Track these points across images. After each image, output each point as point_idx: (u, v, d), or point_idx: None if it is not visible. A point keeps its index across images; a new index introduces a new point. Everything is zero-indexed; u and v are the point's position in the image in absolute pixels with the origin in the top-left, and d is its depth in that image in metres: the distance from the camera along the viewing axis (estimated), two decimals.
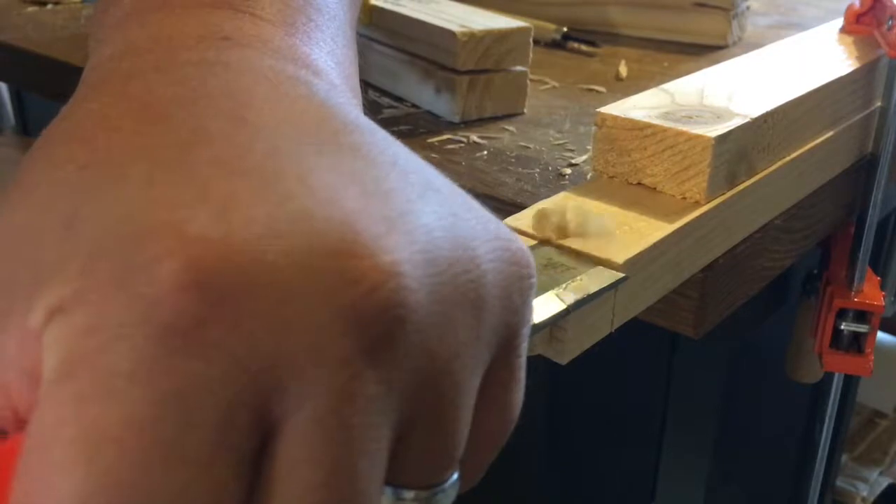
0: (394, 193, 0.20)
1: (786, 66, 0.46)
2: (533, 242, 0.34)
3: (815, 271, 0.57)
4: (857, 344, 0.54)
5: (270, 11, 0.26)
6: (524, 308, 0.22)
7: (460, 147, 0.49)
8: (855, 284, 0.53)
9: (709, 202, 0.37)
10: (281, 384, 0.18)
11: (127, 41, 0.25)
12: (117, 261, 0.17)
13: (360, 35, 0.60)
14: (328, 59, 0.26)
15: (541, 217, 0.34)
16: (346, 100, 0.25)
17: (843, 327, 0.53)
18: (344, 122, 0.22)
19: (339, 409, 0.18)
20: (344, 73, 0.27)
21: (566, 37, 0.70)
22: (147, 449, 0.16)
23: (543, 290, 0.29)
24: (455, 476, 0.22)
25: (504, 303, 0.21)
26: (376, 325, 0.18)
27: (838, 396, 0.63)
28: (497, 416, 0.23)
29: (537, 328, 0.28)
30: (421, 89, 0.55)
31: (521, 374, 0.23)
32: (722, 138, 0.36)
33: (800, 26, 0.78)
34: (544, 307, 0.28)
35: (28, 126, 1.07)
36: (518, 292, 0.22)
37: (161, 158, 0.19)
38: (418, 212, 0.20)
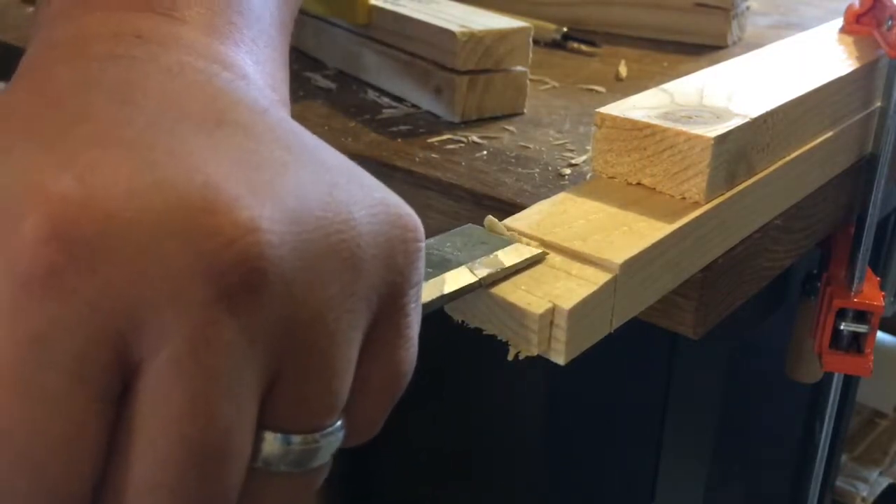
0: (268, 162, 0.22)
1: (786, 66, 0.46)
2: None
3: (815, 271, 0.57)
4: (856, 344, 0.54)
5: (189, 14, 0.27)
6: (409, 269, 0.24)
7: (460, 147, 0.49)
8: (855, 284, 0.52)
9: (708, 202, 0.37)
10: (139, 327, 0.19)
11: (49, 38, 0.26)
12: None
13: (360, 35, 0.60)
14: (246, 57, 0.27)
15: None
16: (258, 91, 0.26)
17: (842, 327, 0.53)
18: (234, 102, 0.24)
19: (195, 352, 0.19)
20: (263, 70, 0.28)
21: (566, 37, 0.70)
22: (7, 386, 0.18)
23: (459, 264, 0.31)
24: (339, 423, 0.23)
25: (385, 262, 0.23)
26: (232, 275, 0.19)
27: (838, 396, 0.63)
28: (384, 372, 0.24)
29: (448, 297, 0.30)
30: (421, 89, 0.55)
31: (410, 332, 0.24)
32: (721, 138, 0.36)
33: (800, 26, 0.78)
34: (457, 279, 0.30)
35: None
36: (402, 254, 0.23)
37: (43, 136, 0.21)
38: (292, 178, 0.22)
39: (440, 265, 0.30)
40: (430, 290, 0.29)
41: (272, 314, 0.20)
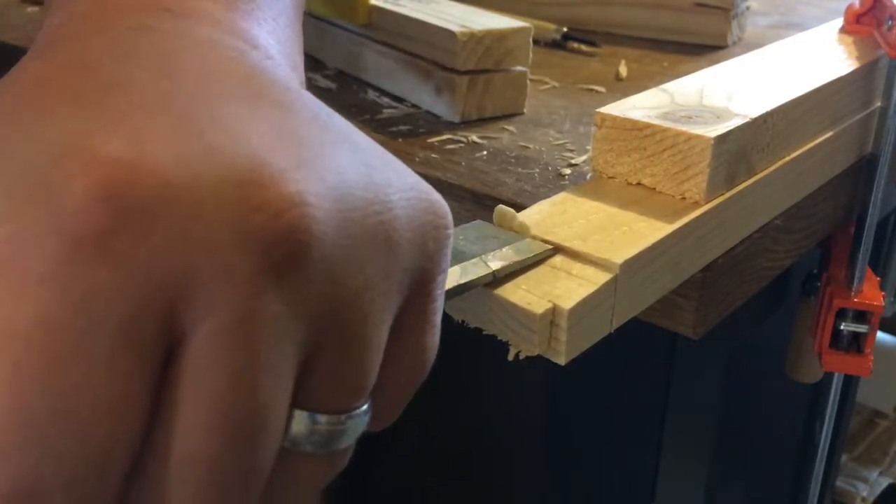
0: (309, 140, 0.22)
1: (786, 66, 0.46)
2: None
3: (815, 271, 0.57)
4: (856, 344, 0.54)
5: None
6: (439, 255, 0.24)
7: (460, 147, 0.49)
8: (855, 284, 0.53)
9: (708, 202, 0.37)
10: (186, 296, 0.19)
11: (72, 10, 0.26)
12: (36, 182, 0.19)
13: (360, 35, 0.60)
14: (268, 37, 0.27)
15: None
16: (283, 72, 0.26)
17: (842, 327, 0.53)
18: (270, 82, 0.24)
19: (241, 323, 0.19)
20: (284, 51, 0.28)
21: (566, 37, 0.70)
22: (54, 345, 0.18)
23: (473, 256, 0.31)
24: (366, 406, 0.23)
25: (417, 247, 0.23)
26: (279, 248, 0.19)
27: (838, 396, 0.63)
28: (409, 357, 0.24)
29: (463, 288, 0.30)
30: (421, 89, 0.55)
31: (435, 318, 0.25)
32: (721, 138, 0.36)
33: (800, 26, 0.78)
34: (472, 270, 0.31)
35: None
36: (433, 240, 0.24)
37: (83, 101, 0.21)
38: (332, 156, 0.22)
39: (454, 256, 0.31)
40: (447, 280, 0.29)
41: (314, 290, 0.20)
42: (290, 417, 0.21)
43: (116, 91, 0.21)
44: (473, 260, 0.31)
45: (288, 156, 0.21)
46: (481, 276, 0.31)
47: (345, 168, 0.22)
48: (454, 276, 0.30)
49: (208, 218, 0.19)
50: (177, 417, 0.19)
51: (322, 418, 0.22)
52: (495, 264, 0.31)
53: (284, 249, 0.19)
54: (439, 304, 0.25)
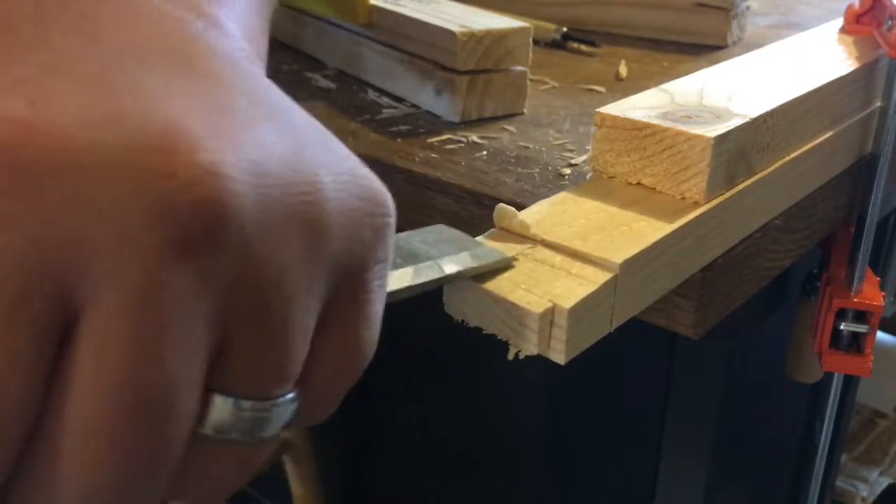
0: (234, 112, 0.21)
1: (786, 66, 0.46)
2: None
3: (815, 271, 0.57)
4: (856, 344, 0.54)
5: None
6: (376, 243, 0.23)
7: (460, 147, 0.49)
8: (855, 284, 0.53)
9: (708, 202, 0.37)
10: (84, 266, 0.18)
11: None
12: None
13: (360, 35, 0.60)
14: (226, 10, 0.26)
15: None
16: (232, 42, 0.25)
17: (842, 327, 0.53)
18: (208, 53, 0.23)
19: (143, 297, 0.18)
20: (239, 20, 0.27)
21: (566, 37, 0.70)
22: None
23: (428, 259, 0.31)
24: (292, 395, 0.22)
25: (350, 232, 0.22)
26: (190, 219, 0.18)
27: (838, 396, 0.63)
28: (340, 348, 0.23)
29: (414, 290, 0.30)
30: (421, 89, 0.55)
31: (371, 310, 0.23)
32: (721, 138, 0.36)
33: (800, 26, 0.78)
34: (424, 272, 0.30)
35: None
36: (369, 227, 0.22)
37: None
38: (257, 130, 0.21)
39: (408, 258, 0.31)
40: (398, 280, 0.29)
41: (227, 266, 0.19)
42: (209, 402, 0.21)
43: (30, 51, 0.20)
44: (428, 262, 0.31)
45: (207, 125, 0.20)
46: (434, 279, 0.30)
47: (271, 144, 0.21)
48: (406, 276, 0.30)
49: (108, 184, 0.18)
50: (73, 392, 0.19)
51: (246, 404, 0.21)
52: (449, 268, 0.31)
53: (195, 220, 0.18)
54: (376, 297, 0.24)
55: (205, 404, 0.21)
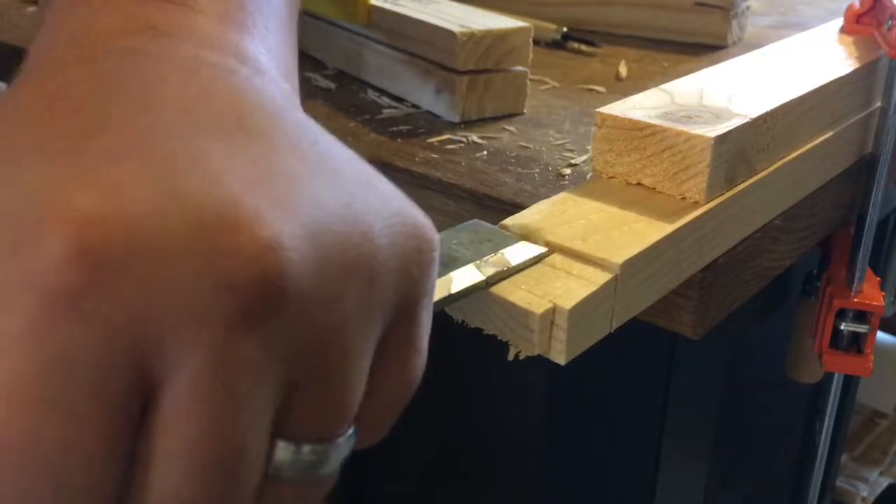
0: (286, 174, 0.22)
1: (786, 66, 0.46)
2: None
3: (815, 271, 0.57)
4: (856, 344, 0.54)
5: (203, 2, 0.27)
6: (424, 280, 0.24)
7: (460, 147, 0.49)
8: (855, 284, 0.53)
9: (708, 202, 0.37)
10: (159, 344, 0.19)
11: (56, 34, 0.26)
12: (9, 237, 0.19)
13: (360, 35, 0.60)
14: (259, 46, 0.27)
15: None
16: (275, 87, 0.26)
17: (842, 327, 0.53)
18: (253, 106, 0.23)
19: (214, 371, 0.19)
20: (278, 62, 0.28)
21: (566, 37, 0.70)
22: (32, 404, 0.18)
23: (466, 262, 0.31)
24: (350, 431, 0.23)
25: (401, 275, 0.23)
26: (254, 294, 0.19)
27: (838, 396, 0.63)
28: (395, 379, 0.24)
29: (455, 297, 0.30)
30: (421, 89, 0.55)
31: (420, 343, 0.24)
32: (721, 138, 0.36)
33: (800, 26, 0.78)
34: (464, 278, 0.30)
35: None
36: (417, 265, 0.23)
37: (59, 148, 0.21)
38: (309, 191, 0.22)
39: (447, 263, 0.30)
40: (438, 290, 0.29)
41: (290, 331, 0.20)
42: (272, 447, 0.21)
43: (94, 135, 0.21)
44: (466, 267, 0.31)
45: (262, 195, 0.20)
46: (473, 285, 0.30)
47: (323, 201, 0.22)
48: (445, 285, 0.30)
49: (177, 265, 0.19)
50: (155, 463, 0.20)
51: (305, 447, 0.22)
52: (488, 270, 0.31)
53: (259, 295, 0.19)
54: (424, 328, 0.24)
55: (269, 451, 0.21)
